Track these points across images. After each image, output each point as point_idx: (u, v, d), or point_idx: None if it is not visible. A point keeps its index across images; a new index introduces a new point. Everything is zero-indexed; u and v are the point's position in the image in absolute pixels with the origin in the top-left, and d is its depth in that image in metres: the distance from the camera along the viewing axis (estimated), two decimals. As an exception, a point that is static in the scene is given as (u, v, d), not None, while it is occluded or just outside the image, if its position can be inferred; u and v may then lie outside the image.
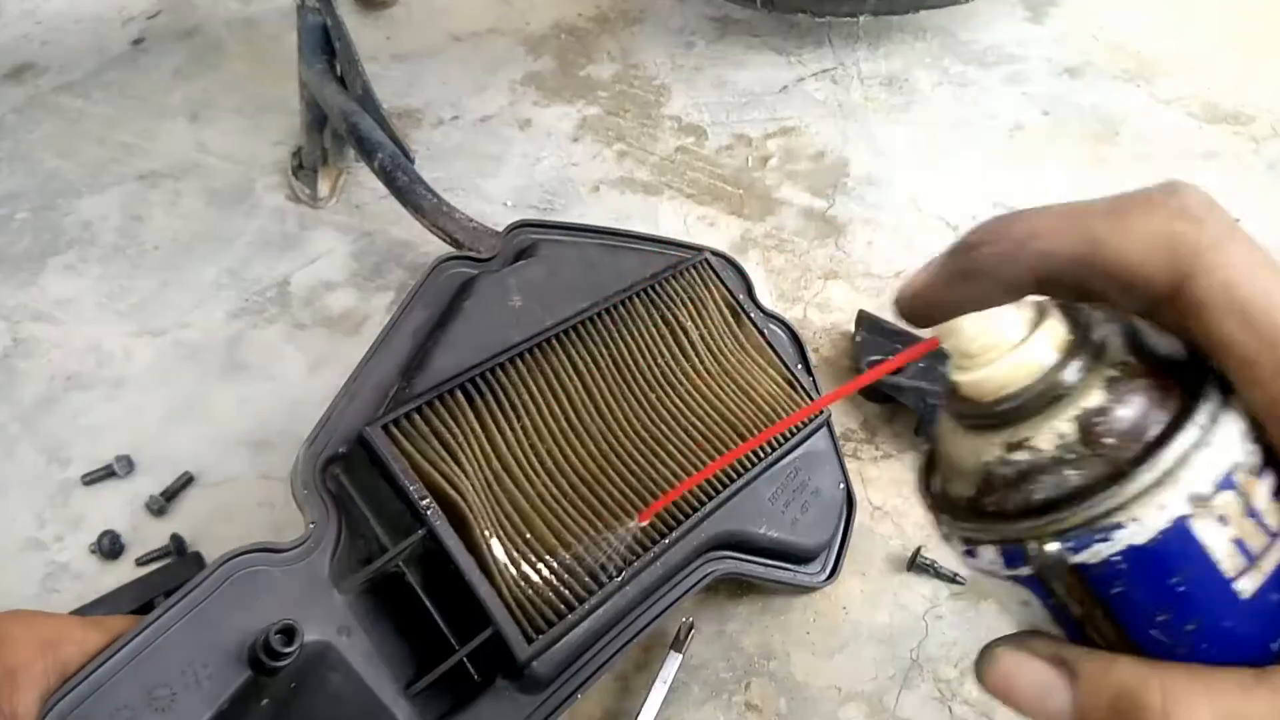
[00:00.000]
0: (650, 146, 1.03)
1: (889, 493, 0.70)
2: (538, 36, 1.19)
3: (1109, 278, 0.21)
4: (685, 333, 0.63)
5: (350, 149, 0.94)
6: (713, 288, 0.66)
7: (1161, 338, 0.22)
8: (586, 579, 0.52)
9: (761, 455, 0.61)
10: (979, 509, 0.23)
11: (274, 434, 0.75)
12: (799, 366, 0.68)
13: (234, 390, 0.79)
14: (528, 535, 0.52)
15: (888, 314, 0.82)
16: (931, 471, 0.25)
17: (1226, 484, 0.20)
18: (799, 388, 0.65)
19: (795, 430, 0.63)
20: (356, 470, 0.50)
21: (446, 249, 0.75)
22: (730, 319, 0.66)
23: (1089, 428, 0.21)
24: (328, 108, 0.89)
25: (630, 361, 0.60)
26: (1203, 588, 0.21)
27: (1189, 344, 0.22)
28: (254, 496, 0.71)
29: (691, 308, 0.64)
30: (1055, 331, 0.22)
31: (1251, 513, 0.21)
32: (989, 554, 0.22)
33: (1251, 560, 0.21)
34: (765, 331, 0.67)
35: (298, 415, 0.76)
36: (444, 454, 0.51)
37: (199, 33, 1.22)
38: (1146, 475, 0.20)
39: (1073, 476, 0.21)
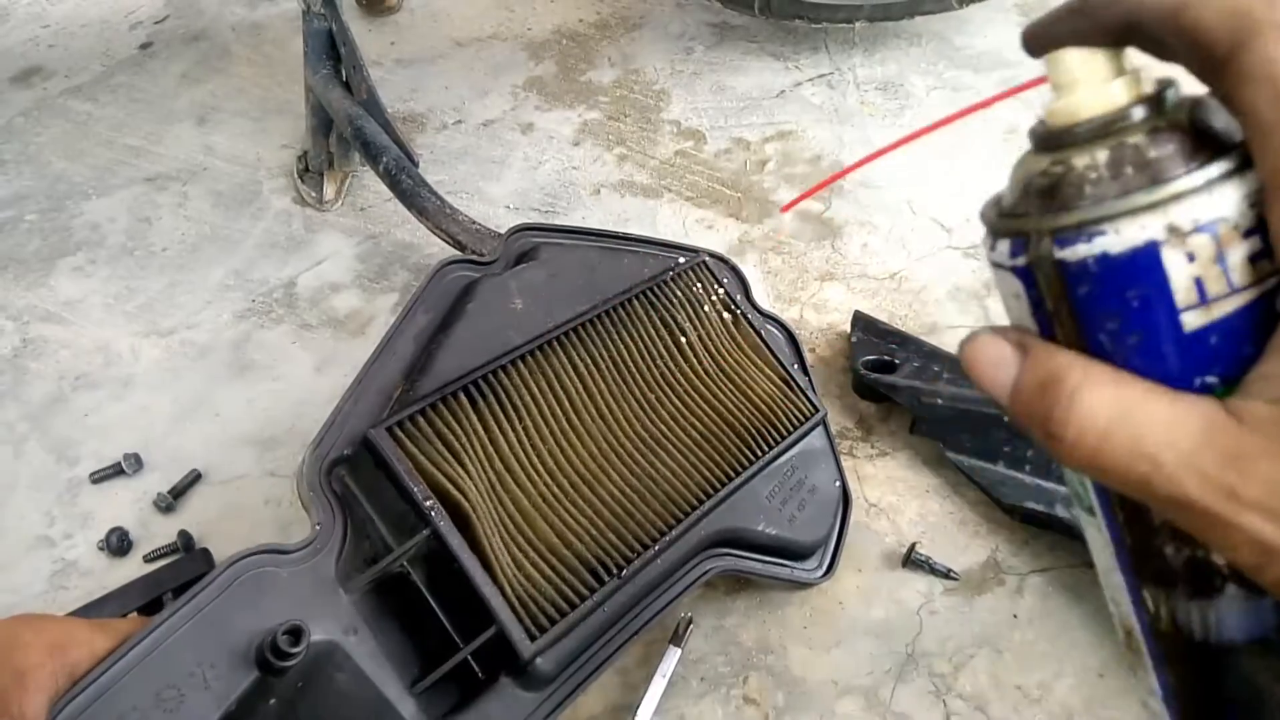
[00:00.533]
0: (650, 150, 1.04)
1: (884, 490, 0.71)
2: (539, 42, 1.20)
3: (1184, 34, 0.23)
4: (683, 334, 0.64)
5: (355, 153, 0.95)
6: (710, 289, 0.67)
7: (1221, 115, 0.25)
8: (588, 577, 0.53)
9: (758, 454, 0.62)
10: (1009, 211, 0.26)
11: (280, 432, 0.76)
12: (795, 366, 0.69)
13: (241, 390, 0.80)
14: (530, 534, 0.53)
15: (883, 314, 0.83)
16: (1000, 198, 0.30)
17: (1207, 229, 0.23)
18: (795, 386, 0.67)
19: (791, 429, 0.64)
20: (361, 472, 0.51)
21: (450, 251, 0.76)
22: (728, 320, 0.67)
23: (1119, 157, 0.24)
24: (333, 112, 0.90)
25: (629, 363, 0.61)
26: (1153, 308, 0.24)
27: (1235, 117, 0.24)
28: (261, 494, 0.72)
29: (689, 309, 0.65)
30: (1134, 83, 0.25)
31: (1220, 261, 0.23)
32: (1002, 245, 0.26)
33: (1204, 300, 0.23)
34: (762, 332, 0.68)
35: (304, 414, 0.77)
36: (447, 455, 0.52)
37: (206, 37, 1.24)
38: (1141, 198, 0.23)
39: (1086, 190, 0.24)
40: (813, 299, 0.86)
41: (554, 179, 1.00)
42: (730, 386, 0.64)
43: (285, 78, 1.15)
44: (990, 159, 1.01)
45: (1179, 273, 0.23)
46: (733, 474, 0.60)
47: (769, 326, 0.70)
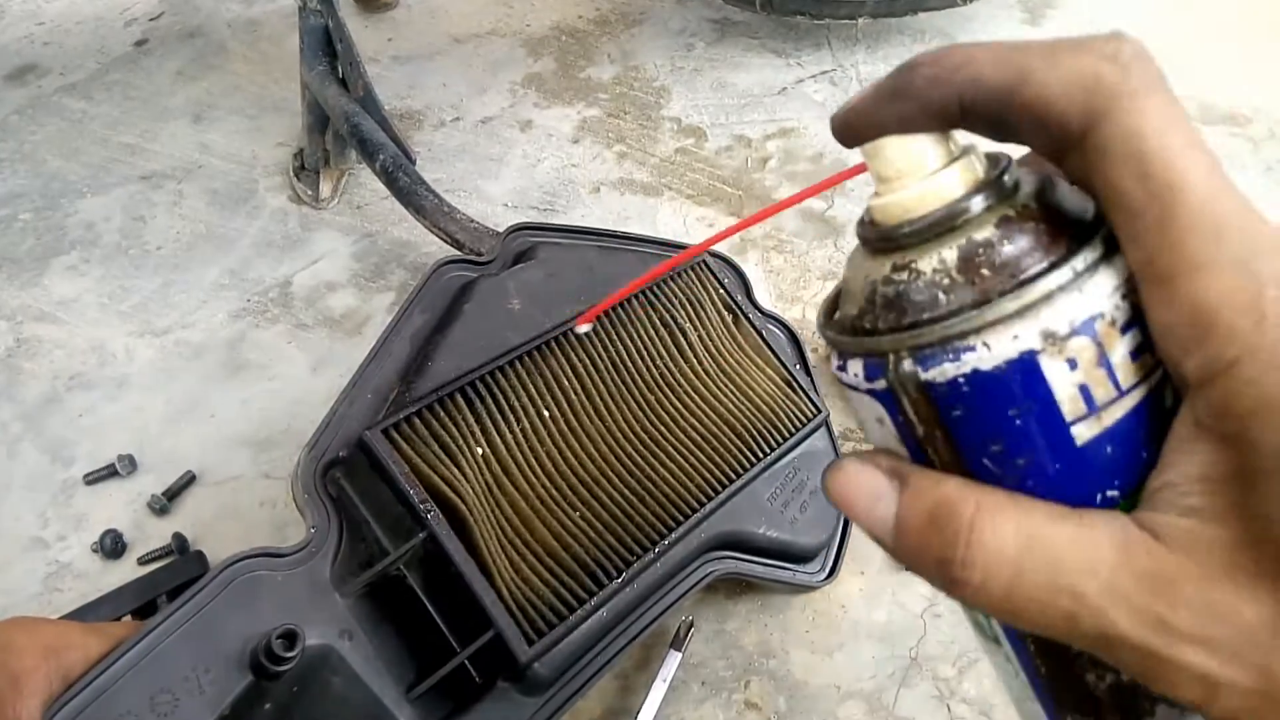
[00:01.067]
0: (650, 148, 1.03)
1: (887, 492, 0.71)
2: (538, 38, 1.20)
3: (1027, 111, 0.21)
4: (684, 334, 0.63)
5: (352, 150, 0.94)
6: (711, 289, 0.66)
7: (1072, 195, 0.23)
8: (586, 580, 0.52)
9: (760, 456, 0.61)
10: (857, 326, 0.23)
11: (276, 433, 0.75)
12: (797, 366, 0.68)
13: (236, 390, 0.79)
14: (528, 537, 0.52)
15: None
16: (835, 301, 0.26)
17: (1085, 330, 0.21)
18: (797, 387, 0.66)
19: (793, 431, 0.63)
20: (357, 474, 0.51)
21: (447, 250, 0.75)
22: (728, 320, 0.66)
23: (970, 257, 0.21)
24: (329, 109, 0.90)
25: (629, 363, 0.60)
26: (1039, 425, 0.21)
27: (1092, 197, 0.22)
28: (256, 495, 0.72)
29: (690, 309, 0.64)
30: (970, 168, 0.23)
31: (1104, 364, 0.21)
32: (855, 366, 0.23)
33: (1093, 409, 0.21)
34: (763, 332, 0.67)
35: (299, 415, 0.77)
36: (444, 457, 0.51)
37: (201, 34, 1.23)
38: (1007, 304, 0.21)
39: (941, 299, 0.21)
40: (815, 298, 0.86)
41: (553, 177, 0.99)
42: (731, 387, 0.63)
43: (281, 75, 1.14)
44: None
45: (1062, 383, 0.21)
46: (734, 476, 0.59)
47: (770, 326, 0.69)
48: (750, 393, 0.63)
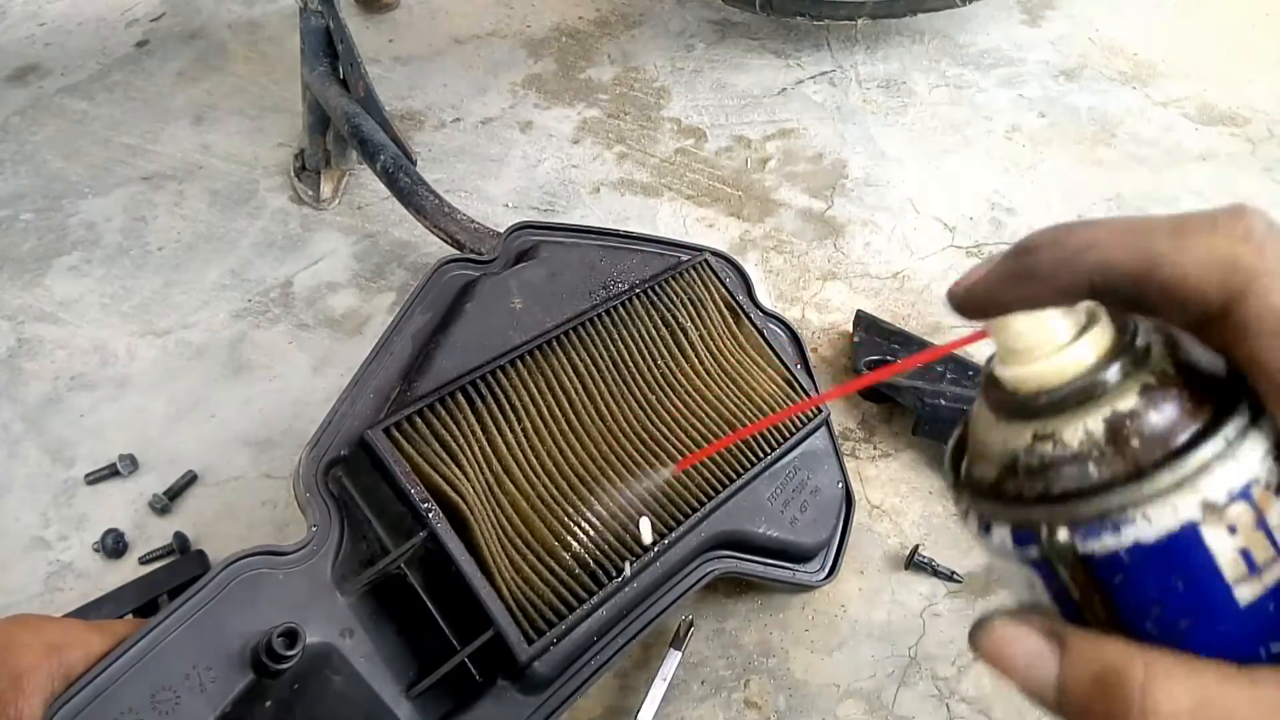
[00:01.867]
0: (650, 148, 1.03)
1: (887, 491, 0.71)
2: (538, 39, 1.20)
3: (1165, 294, 0.21)
4: (685, 333, 0.63)
5: (353, 151, 0.94)
6: (712, 288, 0.66)
7: (1205, 353, 0.23)
8: (586, 579, 0.52)
9: (760, 455, 0.61)
10: (999, 492, 0.24)
11: (277, 433, 0.76)
12: (798, 366, 0.68)
13: (237, 390, 0.79)
14: (528, 536, 0.52)
15: (886, 314, 0.82)
16: (960, 452, 0.26)
17: (1242, 496, 0.21)
18: (798, 387, 0.66)
19: (794, 429, 0.63)
20: (358, 473, 0.51)
21: (448, 250, 0.75)
22: (730, 319, 0.67)
23: (1118, 428, 0.22)
24: (330, 110, 0.90)
25: (630, 363, 0.60)
26: (1202, 590, 0.21)
27: (1230, 363, 0.22)
28: (257, 495, 0.72)
29: (691, 308, 0.65)
30: (1101, 335, 0.23)
31: (1263, 526, 0.21)
32: (1002, 534, 0.23)
33: (1255, 571, 0.21)
34: (765, 331, 0.67)
35: (300, 415, 0.77)
36: (445, 456, 0.51)
37: (202, 35, 1.23)
38: (1165, 478, 0.21)
39: (1093, 471, 0.22)
40: (815, 298, 0.86)
41: (553, 177, 1.00)
42: (732, 387, 0.63)
43: (282, 75, 1.14)
44: (993, 158, 1.01)
45: (1223, 548, 0.21)
46: (734, 475, 0.59)
47: (771, 325, 0.69)
48: (751, 392, 0.64)
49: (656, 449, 0.58)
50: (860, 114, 1.07)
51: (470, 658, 0.49)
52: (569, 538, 0.53)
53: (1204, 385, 0.22)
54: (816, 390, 0.68)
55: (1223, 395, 0.22)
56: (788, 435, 0.63)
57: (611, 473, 0.56)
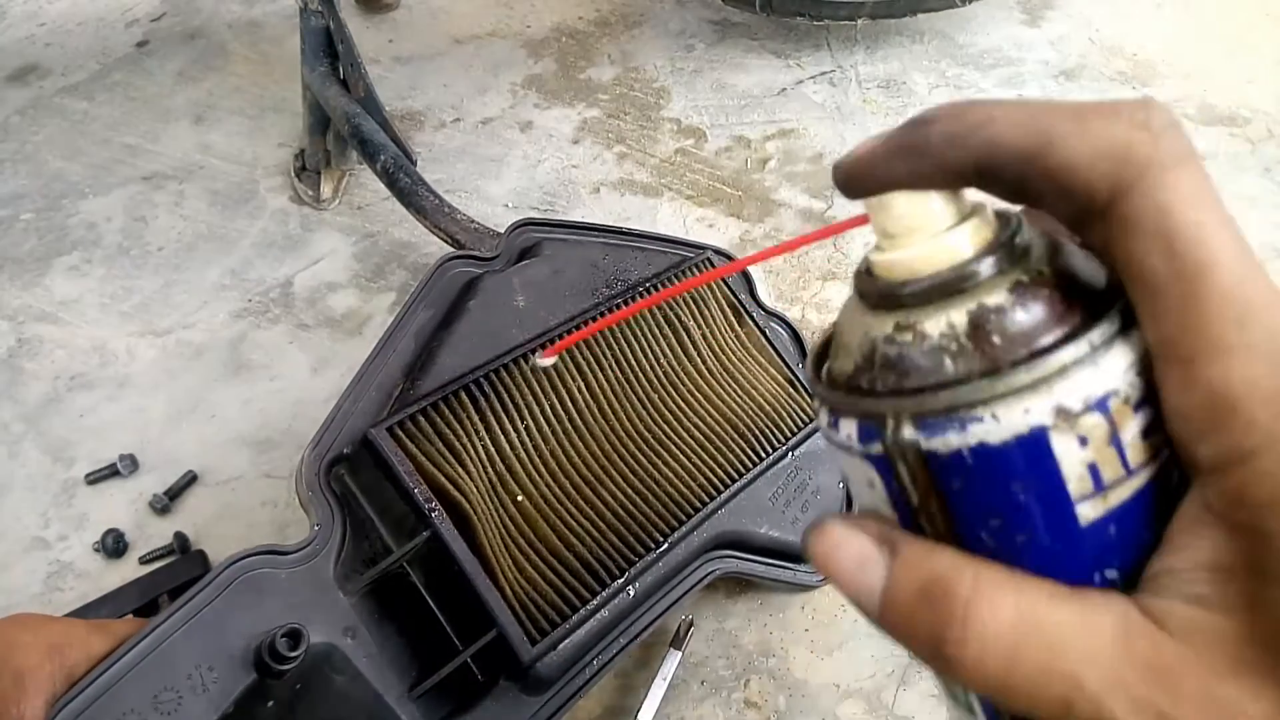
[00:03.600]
0: (650, 148, 1.03)
1: (887, 492, 0.71)
2: (538, 39, 1.20)
3: (1052, 178, 0.20)
4: (687, 332, 0.63)
5: (353, 151, 0.94)
6: (715, 286, 0.66)
7: (1086, 262, 0.22)
8: (589, 580, 0.52)
9: (762, 455, 0.61)
10: (852, 384, 0.23)
11: (277, 434, 0.75)
12: (799, 365, 0.68)
13: (237, 390, 0.79)
14: (531, 536, 0.52)
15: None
16: (824, 350, 0.26)
17: (1099, 407, 0.20)
18: (799, 386, 0.66)
19: (795, 430, 0.63)
20: (361, 471, 0.51)
21: (448, 250, 0.75)
22: (732, 318, 0.67)
23: (980, 323, 0.21)
24: (330, 110, 0.90)
25: (633, 362, 0.60)
26: (1043, 503, 0.20)
27: (1109, 270, 0.21)
28: (257, 495, 0.72)
29: (694, 307, 0.65)
30: (980, 228, 0.22)
31: (1115, 442, 0.20)
32: (848, 427, 0.22)
33: (1100, 489, 0.20)
34: (766, 330, 0.67)
35: (300, 415, 0.77)
36: (448, 456, 0.51)
37: (202, 35, 1.23)
38: (1021, 377, 0.20)
39: (949, 365, 0.21)
40: (814, 298, 0.86)
41: (553, 177, 1.00)
42: (734, 386, 0.63)
43: (282, 76, 1.14)
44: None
45: (1071, 460, 0.20)
46: (736, 475, 0.59)
47: (773, 325, 0.69)
48: (753, 391, 0.64)
49: (659, 448, 0.58)
50: (860, 114, 1.07)
51: (473, 658, 0.49)
52: (572, 538, 0.53)
53: (1079, 291, 0.21)
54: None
55: (1097, 303, 0.21)
56: (789, 435, 0.63)
57: (614, 472, 0.56)
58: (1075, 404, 0.20)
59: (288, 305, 0.87)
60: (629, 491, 0.56)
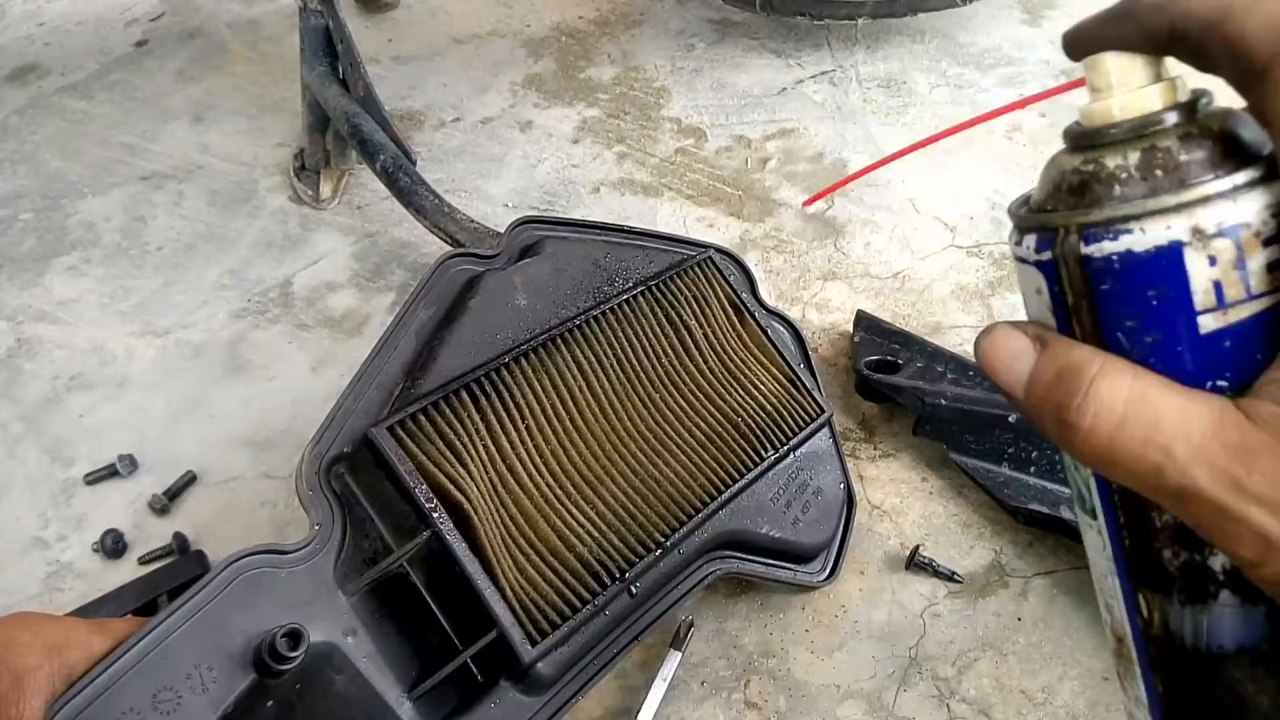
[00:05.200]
0: (650, 148, 1.03)
1: (888, 491, 0.71)
2: (538, 39, 1.20)
3: (1226, 43, 0.24)
4: (689, 331, 0.63)
5: (352, 151, 0.94)
6: (717, 285, 0.66)
7: (1253, 130, 0.26)
8: (590, 580, 0.52)
9: (763, 455, 0.61)
10: (1039, 207, 0.28)
11: (276, 434, 0.75)
12: (801, 365, 0.68)
13: (236, 390, 0.79)
14: (531, 536, 0.52)
15: (886, 314, 0.82)
16: (1025, 198, 0.30)
17: (1230, 233, 0.24)
18: (800, 387, 0.66)
19: (796, 430, 0.63)
20: (361, 471, 0.50)
21: (448, 250, 0.75)
22: (734, 317, 0.66)
23: (1148, 159, 0.25)
24: (330, 109, 0.90)
25: (634, 361, 0.60)
26: (1172, 308, 0.24)
27: (1267, 133, 0.25)
28: (256, 496, 0.72)
29: (695, 306, 0.64)
30: (1171, 90, 0.26)
31: (1241, 267, 0.24)
32: (1030, 240, 0.27)
33: (1222, 305, 0.24)
34: (768, 330, 0.67)
35: (300, 415, 0.77)
36: (449, 455, 0.51)
37: (202, 34, 1.23)
38: (1168, 199, 0.24)
39: (1115, 189, 0.25)
40: (815, 298, 0.86)
41: (553, 177, 0.99)
42: (736, 386, 0.63)
43: (281, 75, 1.14)
44: (993, 158, 1.00)
45: (1199, 275, 0.24)
46: (737, 476, 0.59)
47: (775, 324, 0.69)
48: (755, 391, 0.63)
49: (660, 448, 0.58)
50: (860, 114, 1.07)
51: (473, 658, 0.49)
52: (573, 538, 0.53)
53: (1237, 148, 0.25)
54: (820, 390, 0.68)
55: (1249, 157, 0.25)
56: (790, 435, 0.63)
57: (615, 472, 0.56)
58: (1210, 227, 0.24)
59: (287, 305, 0.86)
60: (630, 491, 0.56)
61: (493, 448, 0.53)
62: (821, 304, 0.85)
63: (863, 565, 0.66)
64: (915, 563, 0.65)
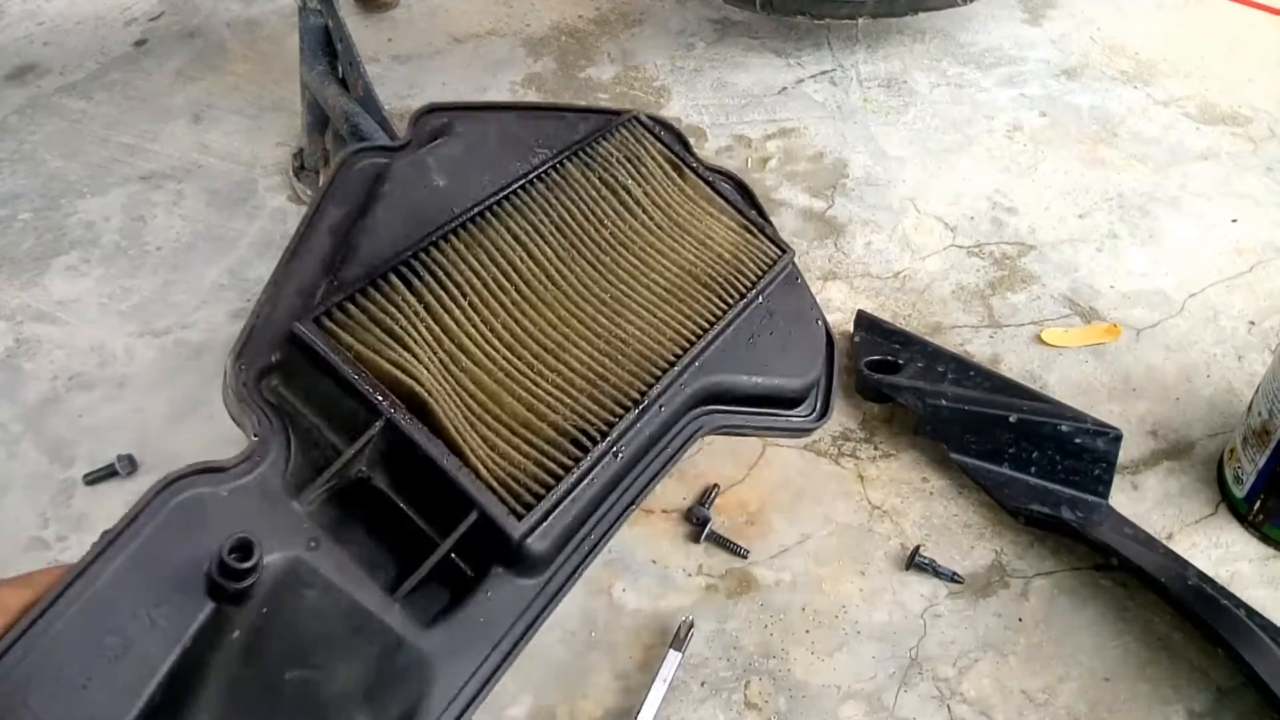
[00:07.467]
0: (650, 148, 1.03)
1: (888, 492, 0.70)
2: (538, 38, 1.20)
3: None
4: (628, 191, 0.61)
5: (351, 150, 0.94)
6: (648, 145, 0.64)
7: None
8: (569, 446, 0.50)
9: (729, 303, 0.59)
10: None
11: (276, 434, 0.75)
12: (753, 212, 0.66)
13: (236, 390, 0.79)
14: (496, 411, 0.49)
15: (886, 314, 0.82)
16: None
17: None
18: (756, 231, 0.63)
19: (760, 273, 0.61)
20: (296, 377, 0.47)
21: (350, 146, 0.73)
22: (673, 173, 0.64)
23: None
24: (329, 109, 0.90)
25: (575, 226, 0.58)
26: None
27: None
28: (256, 496, 0.72)
29: (630, 166, 0.62)
30: None
31: None
32: None
33: None
34: (713, 183, 0.65)
35: (299, 415, 0.77)
36: (390, 341, 0.48)
37: (201, 34, 1.23)
38: None
39: None
40: (815, 298, 0.85)
41: (553, 177, 0.99)
42: (688, 239, 0.61)
43: (281, 75, 1.14)
44: (993, 157, 1.00)
45: None
46: (706, 326, 0.57)
47: (718, 179, 0.67)
48: (709, 242, 0.62)
49: (619, 307, 0.56)
50: (861, 113, 1.07)
51: (459, 549, 0.45)
52: (543, 407, 0.50)
53: None
54: (777, 230, 0.66)
55: None
56: (754, 279, 0.61)
57: (576, 337, 0.54)
58: None
59: (287, 305, 0.86)
60: (595, 354, 0.53)
61: (436, 328, 0.50)
62: (822, 304, 0.85)
63: (863, 565, 0.66)
64: (916, 563, 0.65)
